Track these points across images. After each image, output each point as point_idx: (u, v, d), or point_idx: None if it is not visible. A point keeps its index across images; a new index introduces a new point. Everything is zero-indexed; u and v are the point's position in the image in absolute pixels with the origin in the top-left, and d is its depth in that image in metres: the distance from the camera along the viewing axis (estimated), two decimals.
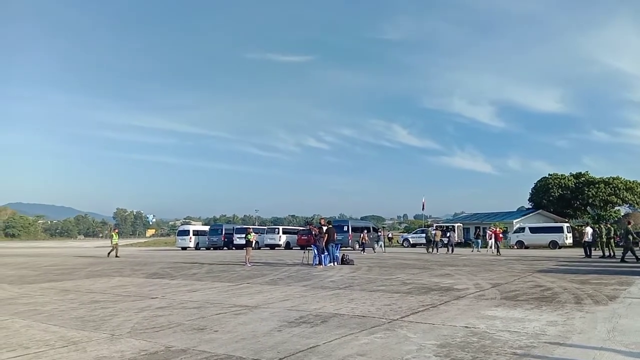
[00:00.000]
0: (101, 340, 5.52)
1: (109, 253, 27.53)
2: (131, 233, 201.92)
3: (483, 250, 30.49)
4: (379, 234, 38.26)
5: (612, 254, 21.96)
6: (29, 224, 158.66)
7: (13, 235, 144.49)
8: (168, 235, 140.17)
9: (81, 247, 63.02)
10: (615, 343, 5.07)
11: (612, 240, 22.65)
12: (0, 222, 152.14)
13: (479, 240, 32.20)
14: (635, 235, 21.63)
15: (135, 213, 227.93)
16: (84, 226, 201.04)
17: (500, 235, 29.16)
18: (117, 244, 27.64)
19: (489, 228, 30.67)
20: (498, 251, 27.36)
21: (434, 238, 30.61)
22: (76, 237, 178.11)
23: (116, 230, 33.00)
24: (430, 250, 30.29)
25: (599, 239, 22.89)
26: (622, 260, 19.08)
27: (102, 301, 8.93)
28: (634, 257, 18.73)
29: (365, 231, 33.00)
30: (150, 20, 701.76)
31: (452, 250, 30.02)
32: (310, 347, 5.03)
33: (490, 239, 28.89)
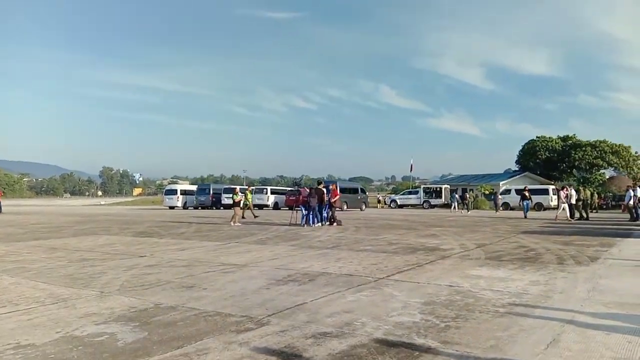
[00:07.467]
0: (90, 298, 5.55)
1: (252, 214, 24.43)
2: (118, 192, 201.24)
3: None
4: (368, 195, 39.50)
5: (585, 216, 22.63)
6: (14, 182, 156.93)
7: None
8: (155, 194, 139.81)
9: (68, 205, 62.78)
10: (594, 302, 5.22)
11: (589, 203, 23.35)
12: None
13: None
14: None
15: (121, 172, 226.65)
16: (69, 184, 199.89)
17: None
18: (248, 204, 24.66)
19: (565, 189, 23.43)
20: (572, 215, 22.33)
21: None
22: (62, 195, 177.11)
23: (250, 189, 28.73)
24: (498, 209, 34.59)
25: (577, 202, 23.19)
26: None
27: (90, 259, 8.94)
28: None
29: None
30: None
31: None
32: (298, 305, 5.11)
33: (567, 200, 22.52)
